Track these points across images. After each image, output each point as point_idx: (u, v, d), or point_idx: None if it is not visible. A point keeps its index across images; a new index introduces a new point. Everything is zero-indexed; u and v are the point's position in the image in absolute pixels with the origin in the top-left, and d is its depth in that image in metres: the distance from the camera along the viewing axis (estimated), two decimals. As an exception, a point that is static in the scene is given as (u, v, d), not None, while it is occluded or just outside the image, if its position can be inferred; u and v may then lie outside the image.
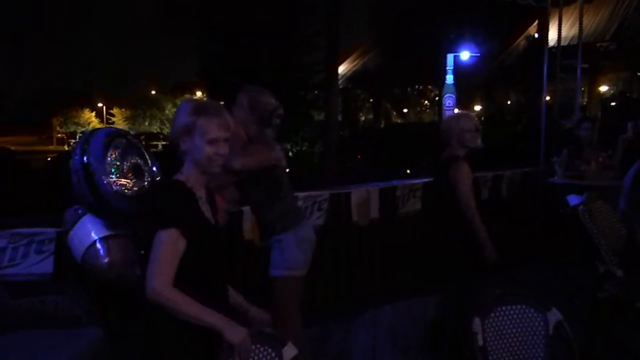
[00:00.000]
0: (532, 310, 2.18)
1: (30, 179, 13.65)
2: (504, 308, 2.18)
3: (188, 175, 1.93)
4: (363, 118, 31.90)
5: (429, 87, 30.26)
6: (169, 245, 1.81)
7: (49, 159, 25.54)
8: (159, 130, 49.61)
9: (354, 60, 23.62)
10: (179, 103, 2.20)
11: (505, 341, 2.15)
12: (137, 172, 2.53)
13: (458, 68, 15.60)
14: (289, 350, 1.90)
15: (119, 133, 2.60)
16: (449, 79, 15.22)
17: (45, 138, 55.19)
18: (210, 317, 1.80)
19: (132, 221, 2.43)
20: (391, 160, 15.06)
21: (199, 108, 1.94)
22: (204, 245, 1.91)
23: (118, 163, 2.46)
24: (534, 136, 6.32)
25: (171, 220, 1.82)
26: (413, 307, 4.77)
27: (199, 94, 35.33)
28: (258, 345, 1.89)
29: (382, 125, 28.10)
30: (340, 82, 17.35)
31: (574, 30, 6.75)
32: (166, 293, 1.78)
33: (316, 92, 19.48)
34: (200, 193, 1.96)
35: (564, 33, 6.57)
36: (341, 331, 4.17)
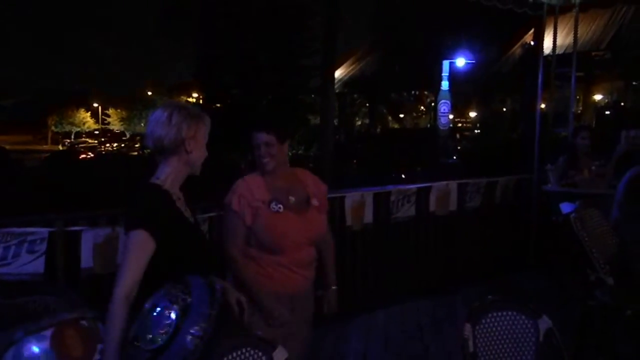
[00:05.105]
0: (523, 317, 2.19)
1: (24, 178, 13.59)
2: (495, 314, 2.18)
3: (167, 177, 1.95)
4: (359, 122, 31.93)
5: (425, 92, 30.31)
6: (136, 246, 1.81)
7: (43, 158, 25.40)
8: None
9: (351, 65, 23.63)
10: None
11: (496, 347, 2.16)
12: None
13: (454, 74, 15.68)
14: (280, 354, 1.90)
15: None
16: (445, 85, 15.30)
17: (40, 137, 55.01)
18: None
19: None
20: (386, 165, 15.05)
21: (193, 111, 1.99)
22: (184, 242, 1.93)
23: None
24: (528, 143, 6.31)
25: (139, 222, 1.83)
26: (406, 311, 4.78)
27: (195, 95, 35.28)
28: (249, 349, 1.89)
29: (378, 130, 28.14)
30: (336, 86, 17.36)
31: (569, 39, 6.75)
32: (117, 306, 1.77)
33: (312, 95, 19.50)
34: (179, 194, 1.99)
35: (559, 41, 6.59)
36: (334, 335, 4.17)
